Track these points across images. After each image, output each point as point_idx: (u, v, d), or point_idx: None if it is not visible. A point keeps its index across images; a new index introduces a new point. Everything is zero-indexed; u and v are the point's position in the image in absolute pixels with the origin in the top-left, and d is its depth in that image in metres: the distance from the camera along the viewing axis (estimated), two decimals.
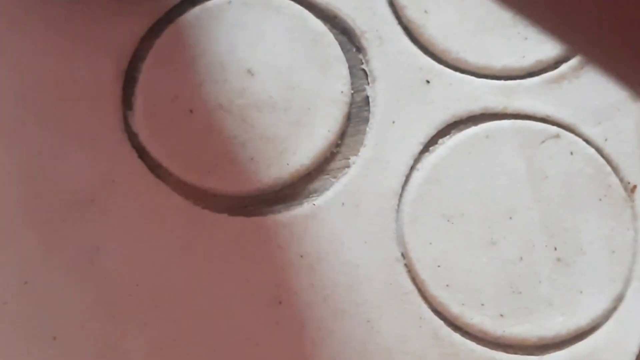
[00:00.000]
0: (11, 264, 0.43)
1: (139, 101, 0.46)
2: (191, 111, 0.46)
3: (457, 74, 0.48)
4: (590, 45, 0.23)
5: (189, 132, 0.45)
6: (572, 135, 0.47)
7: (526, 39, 0.49)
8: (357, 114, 0.47)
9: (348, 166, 0.46)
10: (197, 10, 0.47)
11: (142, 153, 0.45)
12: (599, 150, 0.47)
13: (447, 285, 0.44)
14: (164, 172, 0.45)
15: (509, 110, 0.47)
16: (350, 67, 0.48)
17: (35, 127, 0.45)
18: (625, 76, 0.23)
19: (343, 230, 0.45)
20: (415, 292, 0.44)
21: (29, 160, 0.44)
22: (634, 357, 0.45)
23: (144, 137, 0.45)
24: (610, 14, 0.20)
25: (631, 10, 0.19)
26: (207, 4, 0.48)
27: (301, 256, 0.44)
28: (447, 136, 0.47)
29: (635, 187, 0.47)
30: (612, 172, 0.47)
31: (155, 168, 0.45)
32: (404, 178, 0.46)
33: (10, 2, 0.47)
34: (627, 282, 0.45)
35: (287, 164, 0.45)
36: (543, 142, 0.47)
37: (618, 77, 0.23)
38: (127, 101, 0.46)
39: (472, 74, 0.48)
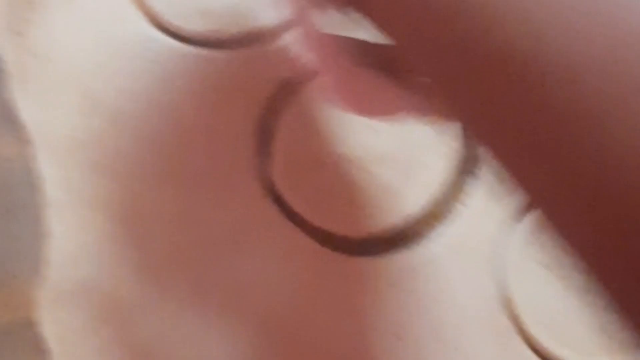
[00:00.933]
0: (164, 298, 0.50)
1: (274, 150, 0.52)
2: (321, 162, 0.52)
3: None
4: None
5: (319, 181, 0.52)
6: None
7: None
8: (465, 168, 0.53)
9: (456, 214, 0.52)
10: None
11: (277, 199, 0.51)
12: None
13: (546, 327, 0.49)
14: (297, 217, 0.51)
15: None
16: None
17: (178, 168, 0.52)
18: None
19: (450, 273, 0.50)
20: (516, 332, 0.50)
21: (176, 204, 0.51)
22: None
23: (278, 185, 0.51)
24: None
25: None
26: None
27: (413, 294, 0.50)
28: None
29: None
30: None
31: (288, 213, 0.51)
32: (508, 228, 0.51)
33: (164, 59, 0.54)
34: None
35: (402, 211, 0.51)
36: None
37: None
38: (263, 149, 0.52)
39: None
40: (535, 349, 0.49)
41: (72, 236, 0.50)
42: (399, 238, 0.51)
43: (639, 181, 0.23)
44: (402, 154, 0.52)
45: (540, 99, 0.25)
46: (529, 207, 0.51)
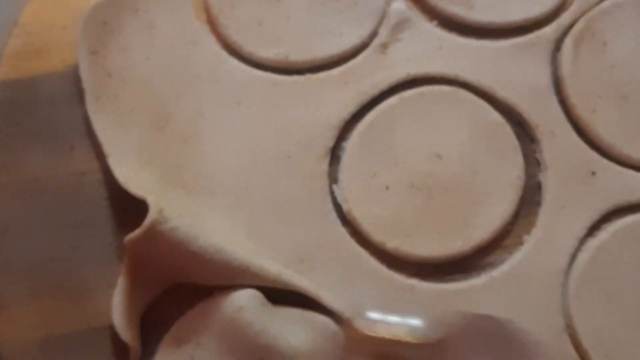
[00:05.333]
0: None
1: (342, 176, 0.53)
2: (387, 187, 0.53)
3: (620, 167, 0.54)
4: None
5: (385, 205, 0.53)
6: None
7: None
8: (529, 198, 0.53)
9: (521, 243, 0.52)
10: (394, 99, 0.55)
11: (344, 222, 0.52)
12: None
13: (607, 356, 0.49)
14: (363, 239, 0.52)
15: None
16: (525, 156, 0.54)
17: (257, 193, 0.53)
18: None
19: (515, 301, 0.50)
20: None
21: (252, 221, 0.52)
22: None
23: (346, 208, 0.52)
24: None
25: None
26: (403, 94, 0.55)
27: None
28: (609, 222, 0.52)
29: None
30: None
31: (355, 235, 0.52)
32: (571, 258, 0.51)
33: (236, 81, 0.56)
34: None
35: (469, 238, 0.52)
36: None
37: None
38: (332, 175, 0.53)
39: (634, 168, 0.54)
40: None
41: None
42: (464, 265, 0.52)
43: None
44: (467, 182, 0.53)
45: None
46: (590, 235, 0.52)
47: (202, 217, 0.50)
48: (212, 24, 0.57)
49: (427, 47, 0.57)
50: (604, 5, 0.58)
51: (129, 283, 0.48)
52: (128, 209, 0.49)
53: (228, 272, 0.48)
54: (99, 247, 0.51)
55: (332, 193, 0.53)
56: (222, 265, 0.47)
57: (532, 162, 0.54)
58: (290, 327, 0.48)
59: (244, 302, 0.47)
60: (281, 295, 0.49)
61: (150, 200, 0.47)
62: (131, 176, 0.51)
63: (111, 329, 0.48)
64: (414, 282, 0.51)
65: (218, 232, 0.50)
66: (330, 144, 0.54)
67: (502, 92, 0.55)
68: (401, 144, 0.54)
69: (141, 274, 0.49)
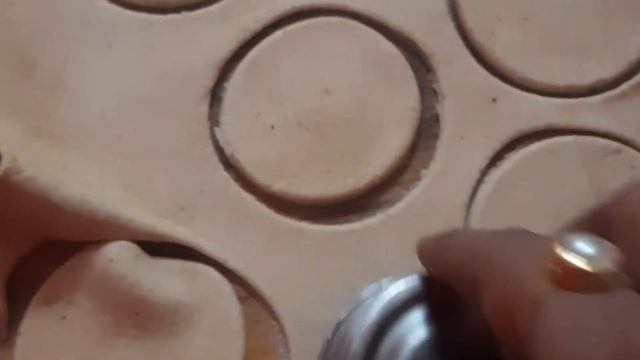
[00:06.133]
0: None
1: (224, 118, 0.50)
2: (272, 127, 0.49)
3: (523, 92, 0.50)
4: None
5: (270, 146, 0.49)
6: (632, 150, 0.49)
7: (588, 58, 0.51)
8: (427, 130, 0.50)
9: (419, 179, 0.49)
10: (278, 34, 0.52)
11: (227, 166, 0.49)
12: None
13: None
14: (248, 183, 0.49)
15: (572, 127, 0.50)
16: (420, 87, 0.51)
17: (132, 140, 0.49)
18: None
19: (414, 240, 0.47)
20: None
21: (126, 170, 0.49)
22: None
23: (229, 151, 0.49)
24: None
25: None
26: (288, 28, 0.52)
27: (375, 263, 0.47)
28: (513, 151, 0.49)
29: None
30: None
31: (239, 179, 0.49)
32: (472, 190, 0.48)
33: (106, 23, 0.52)
34: None
35: (362, 175, 0.49)
36: (605, 156, 0.49)
37: None
38: (214, 118, 0.50)
39: (537, 92, 0.50)
40: None
41: None
42: (358, 204, 0.49)
43: None
44: (359, 117, 0.50)
45: None
46: (492, 166, 0.49)
47: (66, 168, 0.47)
48: None
49: None
50: None
51: None
52: None
53: (94, 225, 0.45)
54: None
55: (213, 136, 0.50)
56: (87, 218, 0.44)
57: (428, 92, 0.51)
58: (168, 279, 0.45)
59: (115, 254, 0.44)
60: (161, 247, 0.47)
61: (3, 149, 0.44)
62: None
63: None
64: (304, 225, 0.48)
65: (85, 182, 0.46)
66: (210, 84, 0.50)
67: (395, 21, 0.52)
68: (287, 81, 0.50)
69: (5, 230, 0.45)
